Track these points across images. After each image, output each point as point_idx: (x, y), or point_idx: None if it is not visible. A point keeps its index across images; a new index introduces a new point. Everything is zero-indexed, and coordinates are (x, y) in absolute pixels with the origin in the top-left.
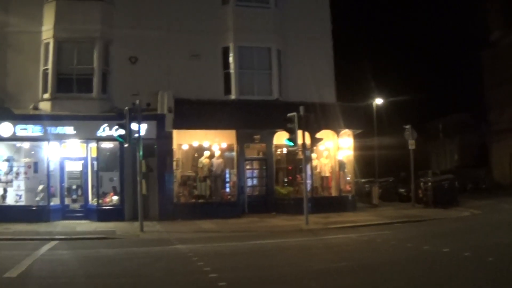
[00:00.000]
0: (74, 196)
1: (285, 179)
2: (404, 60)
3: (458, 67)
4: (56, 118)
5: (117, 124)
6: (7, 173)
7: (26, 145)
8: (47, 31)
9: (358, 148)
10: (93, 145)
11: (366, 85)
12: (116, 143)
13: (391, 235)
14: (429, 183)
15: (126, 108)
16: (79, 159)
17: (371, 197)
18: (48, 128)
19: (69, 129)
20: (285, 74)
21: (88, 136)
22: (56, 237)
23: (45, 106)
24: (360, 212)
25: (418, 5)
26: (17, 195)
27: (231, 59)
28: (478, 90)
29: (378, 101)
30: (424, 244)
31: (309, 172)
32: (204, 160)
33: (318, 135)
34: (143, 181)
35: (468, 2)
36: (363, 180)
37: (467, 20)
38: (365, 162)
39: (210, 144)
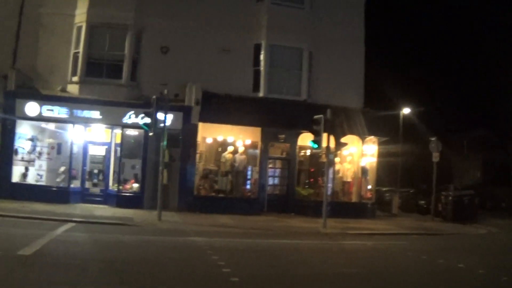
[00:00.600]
0: (95, 180)
1: (307, 181)
2: (435, 71)
3: (488, 82)
4: (83, 102)
5: (144, 112)
6: (30, 152)
7: (51, 126)
8: (80, 15)
9: (382, 155)
10: (118, 131)
11: (394, 93)
12: (141, 131)
13: (407, 246)
14: (450, 197)
15: (154, 97)
16: (103, 144)
17: (391, 206)
18: (74, 111)
19: (95, 114)
20: (315, 76)
21: (114, 122)
22: (74, 219)
23: (73, 89)
24: (378, 220)
25: (454, 17)
26: (38, 174)
27: (262, 56)
28: (506, 107)
29: (406, 110)
30: (439, 258)
31: (331, 175)
32: (227, 155)
33: (343, 140)
34: (164, 170)
35: (503, 19)
36: (384, 189)
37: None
38: (387, 171)
39: (235, 139)
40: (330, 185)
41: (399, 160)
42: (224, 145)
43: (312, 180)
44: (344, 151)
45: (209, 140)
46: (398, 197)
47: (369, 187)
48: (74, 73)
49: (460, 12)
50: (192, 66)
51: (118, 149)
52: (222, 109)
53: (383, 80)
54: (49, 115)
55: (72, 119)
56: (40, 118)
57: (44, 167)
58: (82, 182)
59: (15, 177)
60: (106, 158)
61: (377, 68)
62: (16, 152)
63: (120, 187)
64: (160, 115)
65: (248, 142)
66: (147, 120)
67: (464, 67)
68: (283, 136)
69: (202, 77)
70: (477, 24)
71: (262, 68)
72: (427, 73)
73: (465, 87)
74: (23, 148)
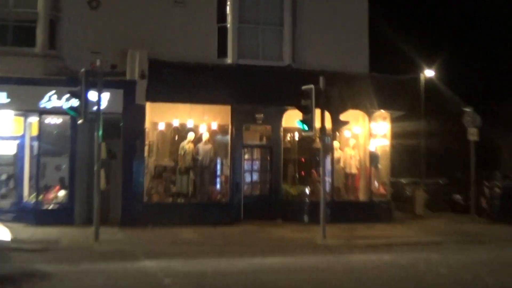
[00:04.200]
0: (3, 190)
1: (296, 175)
2: (468, 20)
3: None
4: None
5: (69, 92)
6: None
7: None
8: None
9: (398, 136)
10: (33, 119)
11: (411, 51)
12: (67, 117)
13: (440, 260)
14: (497, 189)
15: (82, 70)
16: (13, 138)
17: (413, 205)
18: None
19: (1, 96)
20: (302, 33)
21: (27, 107)
22: None
23: None
24: (397, 225)
25: None
26: None
27: (228, 8)
28: None
29: (429, 73)
30: (488, 277)
31: (329, 166)
32: (187, 145)
33: (342, 117)
34: (101, 171)
35: None
36: (403, 181)
37: None
38: (406, 156)
39: (196, 123)
40: (328, 179)
41: (422, 141)
42: (182, 131)
43: (303, 173)
44: (346, 132)
45: (162, 126)
46: (424, 191)
47: (383, 178)
48: None
49: None
50: (134, 25)
51: (35, 144)
52: (177, 82)
53: (395, 33)
54: None
55: None
56: None
57: None
58: None
59: None
60: (18, 157)
61: (388, 21)
62: None
63: (40, 197)
64: (92, 95)
65: (215, 126)
66: (75, 102)
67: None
68: (261, 115)
69: (148, 41)
70: None
71: (229, 24)
72: (458, 21)
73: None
74: None
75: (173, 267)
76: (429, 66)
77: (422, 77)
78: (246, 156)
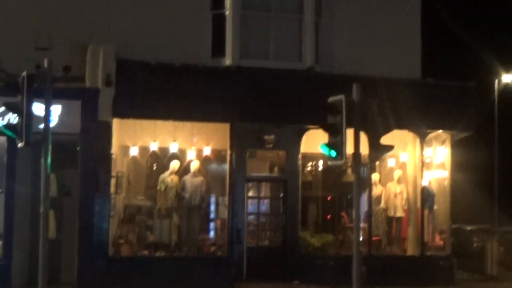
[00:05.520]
0: None
1: (320, 220)
2: None
3: None
4: None
5: (5, 104)
6: None
7: None
8: None
9: (461, 166)
10: None
11: (481, 52)
12: (2, 139)
13: None
14: None
15: (24, 73)
16: None
17: (484, 261)
18: None
19: None
20: (329, 25)
21: None
22: None
23: None
24: None
25: None
26: None
27: None
28: None
29: (507, 78)
30: None
31: (365, 207)
32: (169, 177)
33: (384, 140)
34: (50, 213)
35: None
36: (469, 228)
37: None
38: (474, 194)
39: (182, 148)
40: (364, 225)
41: (496, 174)
42: (162, 159)
43: (329, 217)
44: (389, 161)
45: (134, 151)
46: (498, 242)
47: (440, 226)
48: None
49: None
50: (96, 11)
51: None
52: (155, 92)
53: (458, 26)
54: None
55: None
56: None
57: None
58: None
59: None
60: None
61: (447, 6)
62: None
63: None
64: (37, 108)
65: (208, 151)
66: (13, 118)
67: None
68: (271, 137)
69: (117, 34)
70: None
71: (228, 11)
72: None
73: None
74: None
75: None
76: (508, 69)
77: (496, 83)
78: (251, 193)
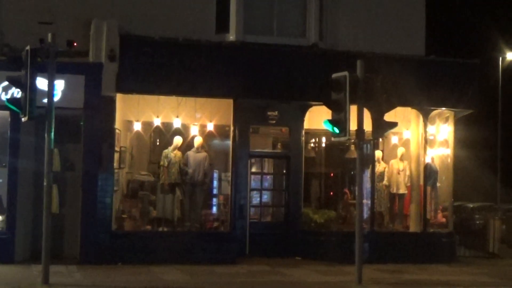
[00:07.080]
0: None
1: (323, 196)
2: None
3: None
4: None
5: (8, 79)
6: None
7: None
8: None
9: (464, 144)
10: None
11: (485, 28)
12: (5, 114)
13: None
14: None
15: (27, 48)
16: None
17: (486, 239)
18: None
19: None
20: (333, 3)
21: None
22: None
23: None
24: (462, 266)
25: None
26: None
27: None
28: None
29: (511, 55)
30: None
31: (368, 184)
32: (172, 153)
33: (388, 117)
34: (54, 187)
35: None
36: (471, 205)
37: None
38: (476, 172)
39: (185, 123)
40: (367, 201)
41: (498, 152)
42: (166, 134)
43: (332, 193)
44: (392, 138)
45: (138, 127)
46: (500, 219)
47: (442, 203)
48: None
49: None
50: None
51: None
52: (159, 67)
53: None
54: None
55: None
56: None
57: None
58: None
59: None
60: None
61: None
62: None
63: None
64: (40, 83)
65: (211, 127)
66: (16, 92)
67: None
68: (275, 113)
69: (120, 8)
70: None
71: None
72: None
73: None
74: None
75: None
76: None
77: (500, 60)
78: (254, 169)
